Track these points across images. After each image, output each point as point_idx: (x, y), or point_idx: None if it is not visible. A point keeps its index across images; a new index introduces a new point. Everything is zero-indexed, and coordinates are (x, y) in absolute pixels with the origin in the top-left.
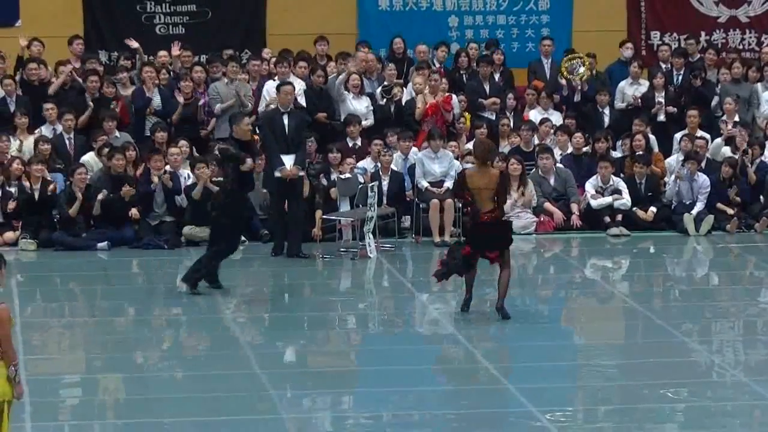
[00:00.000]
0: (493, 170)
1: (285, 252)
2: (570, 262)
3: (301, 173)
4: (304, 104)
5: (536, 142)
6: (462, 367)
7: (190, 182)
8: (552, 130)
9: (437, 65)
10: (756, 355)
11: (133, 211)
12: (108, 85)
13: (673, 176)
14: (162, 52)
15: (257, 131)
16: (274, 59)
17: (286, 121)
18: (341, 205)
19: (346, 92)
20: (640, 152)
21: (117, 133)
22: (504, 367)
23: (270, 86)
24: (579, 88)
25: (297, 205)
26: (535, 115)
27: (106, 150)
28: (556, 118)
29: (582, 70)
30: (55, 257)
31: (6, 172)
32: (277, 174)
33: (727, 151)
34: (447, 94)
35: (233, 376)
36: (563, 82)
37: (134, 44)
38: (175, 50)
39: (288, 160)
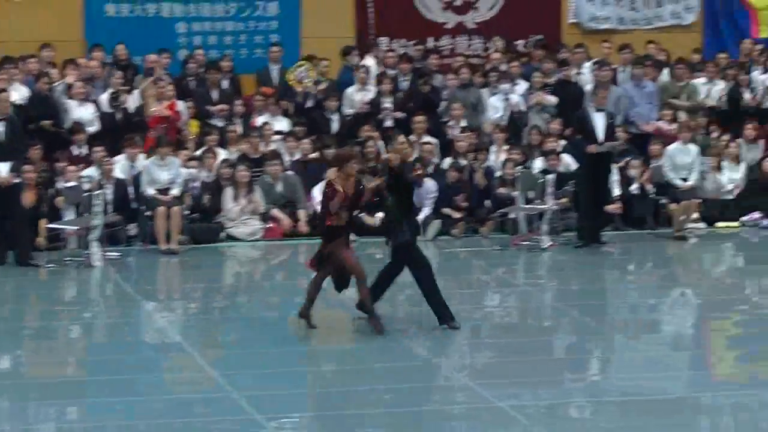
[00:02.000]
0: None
1: (16, 261)
2: (297, 268)
3: (17, 180)
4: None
5: (264, 148)
6: (188, 375)
7: None
8: (280, 137)
9: (160, 71)
10: (481, 358)
11: None
12: None
13: None
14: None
15: None
16: None
17: (2, 129)
18: (66, 214)
19: (69, 100)
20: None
21: None
22: (230, 375)
23: None
24: (312, 93)
25: (15, 212)
26: (263, 121)
27: None
28: (284, 124)
29: (311, 74)
30: None
31: None
32: None
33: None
34: (172, 100)
35: None
36: (298, 89)
37: None
38: None
39: (3, 168)
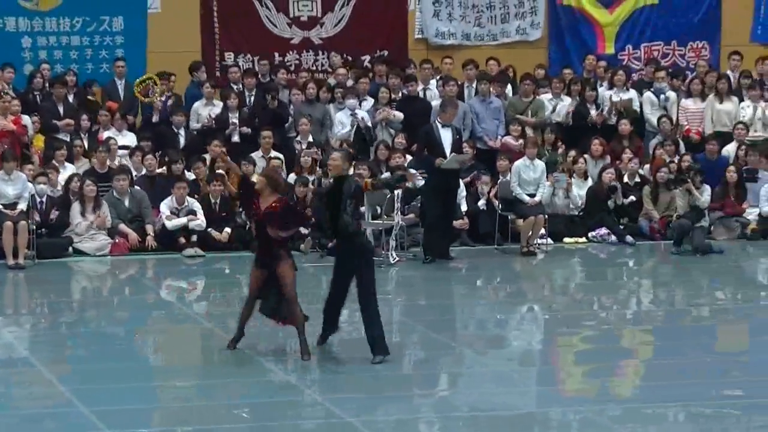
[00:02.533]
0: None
1: None
2: (145, 283)
3: None
4: None
5: (111, 163)
6: (37, 390)
7: None
8: (127, 152)
9: (5, 86)
10: (330, 374)
11: None
12: None
13: None
14: None
15: None
16: None
17: None
18: None
19: None
20: (220, 172)
21: None
22: (80, 390)
23: None
24: (158, 108)
25: None
26: (109, 136)
27: None
28: (131, 139)
29: (157, 89)
30: None
31: None
32: None
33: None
34: (17, 115)
35: None
36: (144, 101)
37: None
38: None
39: None
